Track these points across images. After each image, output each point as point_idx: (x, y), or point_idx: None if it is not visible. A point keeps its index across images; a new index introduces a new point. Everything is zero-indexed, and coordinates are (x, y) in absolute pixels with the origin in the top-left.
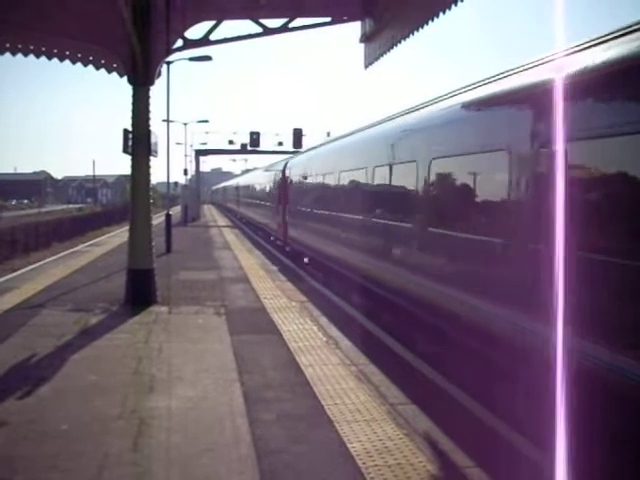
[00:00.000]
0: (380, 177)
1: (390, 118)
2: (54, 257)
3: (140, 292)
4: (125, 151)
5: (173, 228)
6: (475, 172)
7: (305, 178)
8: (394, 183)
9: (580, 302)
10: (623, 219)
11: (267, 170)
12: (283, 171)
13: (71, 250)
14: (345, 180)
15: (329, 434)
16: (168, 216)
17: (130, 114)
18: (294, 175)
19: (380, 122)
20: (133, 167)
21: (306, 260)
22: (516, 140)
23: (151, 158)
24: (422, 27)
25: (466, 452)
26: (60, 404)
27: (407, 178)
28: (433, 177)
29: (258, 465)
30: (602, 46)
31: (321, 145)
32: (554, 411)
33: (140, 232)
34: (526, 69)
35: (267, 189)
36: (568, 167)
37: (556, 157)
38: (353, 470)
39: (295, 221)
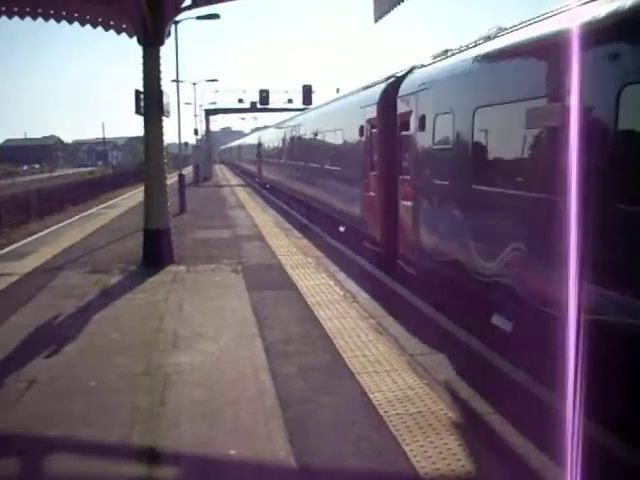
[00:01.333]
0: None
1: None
2: (69, 220)
3: (157, 252)
4: (138, 112)
5: (186, 188)
6: None
7: (264, 144)
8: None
9: None
10: None
11: (250, 137)
12: (258, 139)
13: (86, 213)
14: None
15: (351, 385)
16: (181, 176)
17: (140, 75)
18: (263, 141)
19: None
20: (146, 128)
21: (267, 186)
22: None
23: (163, 118)
24: None
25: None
26: (87, 362)
27: None
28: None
29: (283, 415)
30: None
31: (270, 127)
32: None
33: (155, 193)
34: None
35: (251, 150)
36: None
37: None
38: (376, 418)
39: (263, 167)
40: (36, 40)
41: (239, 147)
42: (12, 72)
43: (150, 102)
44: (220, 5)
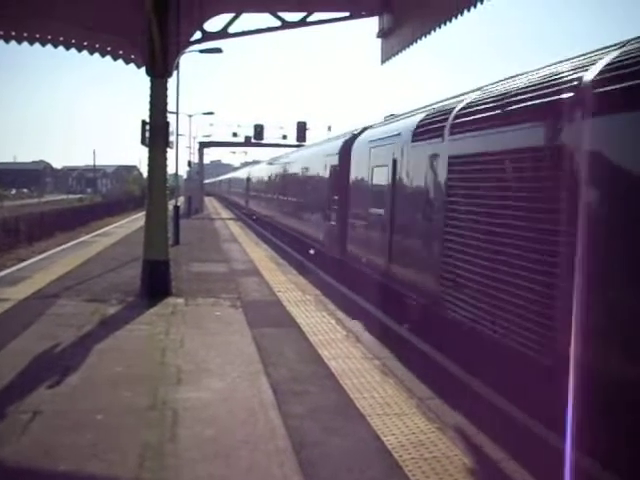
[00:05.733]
0: None
1: None
2: (60, 248)
3: (156, 283)
4: (143, 143)
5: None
6: None
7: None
8: None
9: None
10: None
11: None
12: (229, 179)
13: (77, 240)
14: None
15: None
16: (176, 208)
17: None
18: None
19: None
20: (150, 158)
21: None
22: None
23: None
24: (445, 24)
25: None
26: (91, 394)
27: None
28: None
29: (296, 457)
30: None
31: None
32: None
33: (156, 223)
34: None
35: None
36: None
37: None
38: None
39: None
40: (26, 64)
41: (226, 181)
42: (2, 95)
43: (156, 133)
44: (225, 40)
